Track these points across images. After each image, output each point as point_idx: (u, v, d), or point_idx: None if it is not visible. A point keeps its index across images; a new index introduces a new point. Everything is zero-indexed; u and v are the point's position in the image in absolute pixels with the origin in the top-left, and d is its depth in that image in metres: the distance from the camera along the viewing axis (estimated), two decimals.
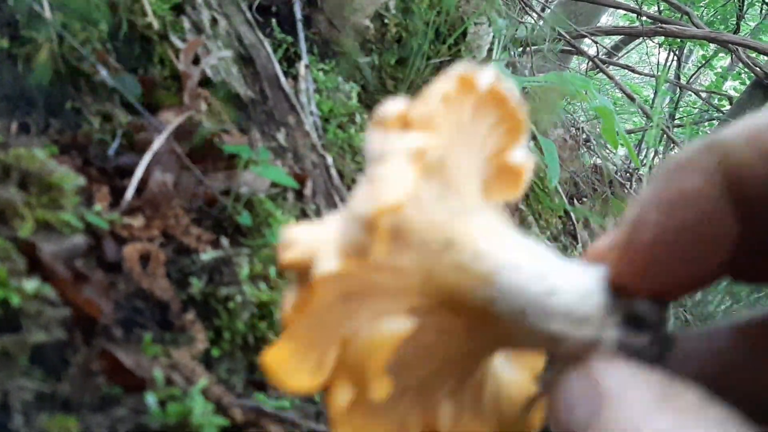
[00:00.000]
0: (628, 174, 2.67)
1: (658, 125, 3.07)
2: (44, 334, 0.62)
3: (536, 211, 1.84)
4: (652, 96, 5.36)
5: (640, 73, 4.39)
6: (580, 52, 3.45)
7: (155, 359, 0.74)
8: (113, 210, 0.87)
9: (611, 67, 4.31)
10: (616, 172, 2.54)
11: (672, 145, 4.10)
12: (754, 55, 4.01)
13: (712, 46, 4.75)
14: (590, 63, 3.65)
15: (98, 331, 0.71)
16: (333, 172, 1.11)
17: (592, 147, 2.51)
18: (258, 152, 0.95)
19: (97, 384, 0.66)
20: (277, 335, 0.89)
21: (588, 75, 3.81)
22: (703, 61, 4.99)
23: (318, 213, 1.08)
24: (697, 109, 4.95)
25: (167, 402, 0.69)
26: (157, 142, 0.89)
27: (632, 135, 4.28)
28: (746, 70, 3.98)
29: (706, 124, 4.51)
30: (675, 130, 4.98)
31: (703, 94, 4.32)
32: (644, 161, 3.33)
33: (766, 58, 3.82)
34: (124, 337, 0.76)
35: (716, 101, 4.54)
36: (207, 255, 0.85)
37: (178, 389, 0.71)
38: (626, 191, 2.46)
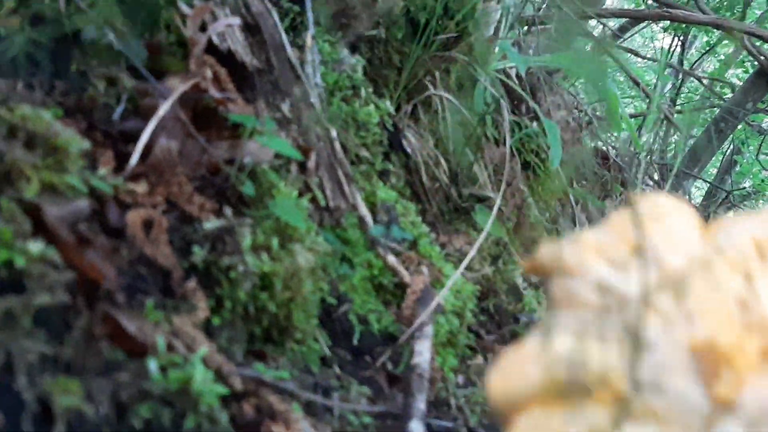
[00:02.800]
0: (629, 158, 2.67)
1: (658, 109, 3.06)
2: (48, 296, 0.62)
3: (537, 192, 1.85)
4: (654, 81, 5.34)
5: (643, 57, 4.36)
6: (587, 33, 3.42)
7: (157, 325, 0.74)
8: (117, 175, 0.87)
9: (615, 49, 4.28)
10: (617, 156, 2.53)
11: (673, 130, 4.10)
12: (758, 43, 3.99)
13: (717, 32, 4.72)
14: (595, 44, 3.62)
15: (101, 295, 0.70)
16: (337, 145, 1.11)
17: (594, 130, 2.51)
18: (263, 122, 0.95)
19: (99, 348, 0.67)
20: (278, 307, 0.89)
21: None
22: (707, 48, 4.97)
23: (321, 186, 1.08)
24: (699, 96, 4.94)
25: (168, 368, 0.69)
26: (163, 109, 0.89)
27: (634, 119, 4.27)
28: (750, 58, 3.96)
29: (707, 111, 4.51)
30: (676, 115, 4.97)
31: (706, 81, 4.31)
32: (645, 145, 3.32)
33: None
34: (127, 302, 0.76)
35: (719, 88, 4.53)
36: (210, 224, 0.85)
37: (179, 356, 0.72)
38: (626, 175, 2.46)
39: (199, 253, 0.83)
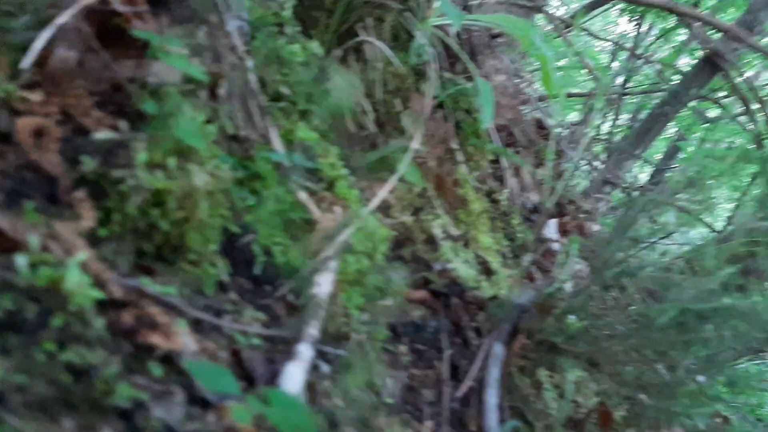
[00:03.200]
0: (567, 129, 2.71)
1: (605, 90, 3.11)
2: None
3: (467, 152, 1.87)
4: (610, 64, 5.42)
5: (598, 38, 4.42)
6: (539, 10, 3.45)
7: (34, 226, 0.73)
8: (11, 82, 0.85)
9: (576, 30, 4.32)
10: (555, 127, 2.57)
11: (620, 112, 4.18)
12: (711, 32, 4.08)
13: (673, 19, 4.80)
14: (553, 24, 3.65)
15: None
16: (252, 76, 1.10)
17: (533, 98, 2.54)
18: (169, 41, 0.94)
19: None
20: (171, 225, 0.89)
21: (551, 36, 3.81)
22: (662, 33, 5.07)
23: (231, 116, 1.07)
24: (650, 81, 5.04)
25: (39, 266, 0.69)
26: (62, 17, 0.87)
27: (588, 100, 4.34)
28: (700, 45, 4.04)
29: (656, 95, 4.61)
30: (627, 98, 5.06)
31: (656, 65, 4.40)
32: (589, 123, 3.37)
33: (720, 35, 3.89)
34: (5, 203, 0.75)
35: (669, 74, 4.62)
36: (102, 134, 0.84)
37: (52, 257, 0.71)
38: (564, 146, 2.51)
39: (89, 164, 0.83)
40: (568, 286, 1.59)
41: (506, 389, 1.38)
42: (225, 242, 1.05)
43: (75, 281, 0.71)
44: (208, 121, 1.01)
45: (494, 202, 2.00)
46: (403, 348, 1.25)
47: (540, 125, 2.47)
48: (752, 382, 1.43)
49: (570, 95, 4.14)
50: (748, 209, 1.69)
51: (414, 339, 1.29)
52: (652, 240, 1.75)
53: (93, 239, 0.82)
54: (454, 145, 1.79)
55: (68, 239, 0.76)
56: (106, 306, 0.77)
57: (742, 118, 3.89)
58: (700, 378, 1.42)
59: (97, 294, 0.74)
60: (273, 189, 1.13)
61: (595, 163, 3.77)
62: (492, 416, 1.16)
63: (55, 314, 0.69)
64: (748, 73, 4.30)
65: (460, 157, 1.81)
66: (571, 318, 1.45)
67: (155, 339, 0.78)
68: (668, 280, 1.37)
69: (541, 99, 3.06)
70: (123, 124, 0.88)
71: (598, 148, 3.79)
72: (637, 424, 1.53)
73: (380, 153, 1.40)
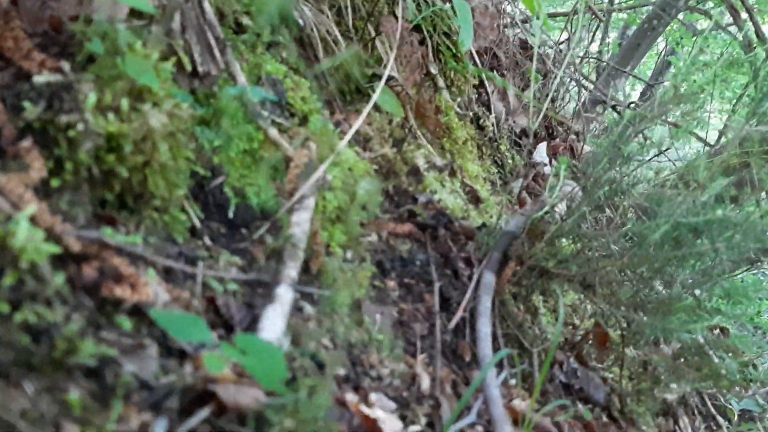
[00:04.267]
0: (553, 49, 2.62)
1: (588, 4, 3.00)
2: None
3: (449, 77, 1.79)
4: None
5: None
6: None
7: None
8: None
9: None
10: (540, 47, 2.48)
11: (608, 29, 4.06)
12: None
13: None
14: None
15: None
16: (207, 6, 1.03)
17: (517, 19, 2.44)
18: None
19: None
20: (131, 171, 0.84)
21: None
22: None
23: (188, 50, 1.00)
24: None
25: None
26: None
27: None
28: None
29: (643, 9, 4.46)
30: (614, 15, 4.91)
31: None
32: (576, 41, 3.27)
33: None
34: None
35: None
36: (43, 77, 0.78)
37: (0, 213, 0.66)
38: (549, 65, 2.43)
39: (31, 110, 0.77)
40: (560, 209, 1.55)
41: (500, 317, 1.36)
42: (194, 186, 1.00)
43: (25, 236, 0.66)
44: (164, 59, 0.94)
45: (480, 128, 1.94)
46: (391, 283, 1.22)
47: (525, 46, 2.39)
48: (749, 292, 1.41)
49: (553, 14, 4.01)
50: (740, 117, 1.63)
51: (402, 273, 1.26)
52: (644, 158, 1.70)
53: (44, 191, 0.76)
54: (433, 70, 1.72)
55: (15, 192, 0.70)
56: (65, 261, 0.73)
57: (732, 29, 3.79)
58: (697, 292, 1.39)
59: (52, 248, 0.69)
60: (241, 127, 1.07)
61: (585, 83, 3.69)
62: (485, 345, 1.14)
63: (5, 273, 0.64)
64: None
65: (440, 82, 1.74)
66: (563, 241, 1.42)
67: (121, 291, 0.73)
68: (661, 195, 1.32)
69: (525, 21, 2.96)
70: (67, 66, 0.82)
71: (586, 67, 3.69)
72: (635, 342, 1.52)
73: (333, 60, 1.33)
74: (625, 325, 1.45)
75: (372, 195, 1.14)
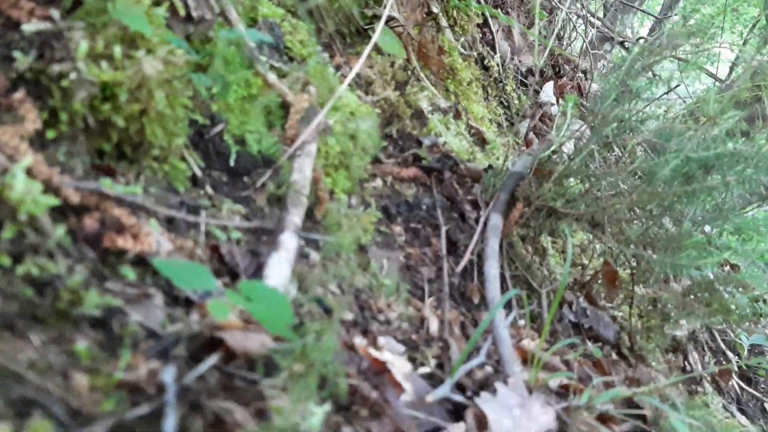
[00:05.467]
0: None
1: None
2: None
3: (452, 16, 1.75)
4: None
5: None
6: None
7: None
8: None
9: None
10: None
11: None
12: None
13: None
14: None
15: None
16: None
17: None
18: None
19: None
20: (127, 120, 0.82)
21: None
22: None
23: None
24: None
25: None
26: None
27: None
28: None
29: None
30: None
31: None
32: None
33: None
34: None
35: None
36: (32, 26, 0.75)
37: None
38: (554, 3, 2.36)
39: (22, 60, 0.75)
40: (567, 148, 1.52)
41: (508, 259, 1.35)
42: (194, 135, 0.98)
43: (22, 188, 0.65)
44: (156, 3, 0.92)
45: (485, 68, 1.90)
46: (397, 228, 1.21)
47: None
48: (760, 228, 1.39)
49: None
50: (751, 47, 1.59)
51: (408, 218, 1.25)
52: (653, 95, 1.66)
53: (40, 143, 0.75)
54: (435, 9, 1.67)
55: (11, 144, 0.69)
56: (65, 212, 0.72)
57: None
58: (707, 228, 1.38)
59: (51, 200, 0.68)
60: (239, 73, 1.05)
61: (592, 20, 3.59)
62: (493, 287, 1.13)
63: (4, 226, 0.64)
64: None
65: (443, 22, 1.70)
66: (571, 181, 1.40)
67: (123, 242, 0.73)
68: (671, 130, 1.30)
69: None
70: (56, 14, 0.79)
71: (593, 3, 3.59)
72: (644, 280, 1.51)
73: None
74: (634, 263, 1.44)
75: (372, 135, 1.12)
